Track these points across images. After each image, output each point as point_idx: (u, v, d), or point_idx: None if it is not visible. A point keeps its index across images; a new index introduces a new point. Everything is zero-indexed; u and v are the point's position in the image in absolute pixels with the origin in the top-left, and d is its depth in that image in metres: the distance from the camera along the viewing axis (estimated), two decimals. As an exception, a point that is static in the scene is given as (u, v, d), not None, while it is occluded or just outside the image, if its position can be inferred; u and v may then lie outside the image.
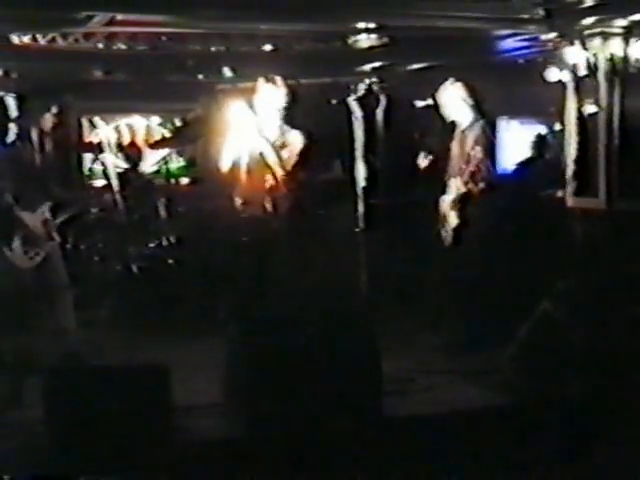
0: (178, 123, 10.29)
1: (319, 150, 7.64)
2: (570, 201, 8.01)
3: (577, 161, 7.94)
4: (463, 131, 7.57)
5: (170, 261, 8.13)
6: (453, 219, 7.40)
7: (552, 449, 5.45)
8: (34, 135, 9.45)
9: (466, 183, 7.37)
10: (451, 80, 7.60)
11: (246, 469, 5.11)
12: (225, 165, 7.25)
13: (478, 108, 7.53)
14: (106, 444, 5.00)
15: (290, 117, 7.19)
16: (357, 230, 7.65)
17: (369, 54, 8.28)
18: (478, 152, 7.39)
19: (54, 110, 9.91)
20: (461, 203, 7.39)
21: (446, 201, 7.50)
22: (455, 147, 7.64)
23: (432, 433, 5.53)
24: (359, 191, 7.63)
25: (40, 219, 7.05)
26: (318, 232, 6.93)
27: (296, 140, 7.16)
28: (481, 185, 7.35)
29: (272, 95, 7.14)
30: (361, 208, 7.61)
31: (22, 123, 8.98)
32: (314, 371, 5.54)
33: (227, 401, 5.80)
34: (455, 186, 7.46)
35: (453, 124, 7.70)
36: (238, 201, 7.23)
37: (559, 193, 8.31)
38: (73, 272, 7.03)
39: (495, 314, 7.01)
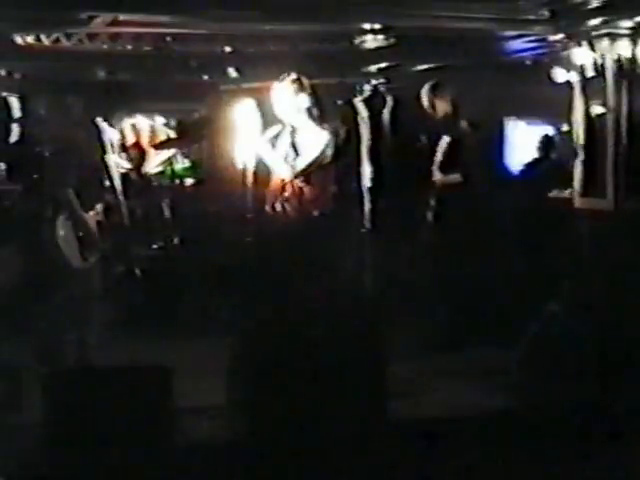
0: (182, 124, 10.27)
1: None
2: (578, 202, 7.98)
3: (584, 162, 7.91)
4: None
5: (174, 262, 8.10)
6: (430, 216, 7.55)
7: (554, 450, 5.41)
8: None
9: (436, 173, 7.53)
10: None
11: (247, 471, 5.09)
12: (231, 166, 7.22)
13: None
14: (106, 445, 4.97)
15: (316, 116, 7.03)
16: (363, 231, 7.61)
17: (375, 55, 8.26)
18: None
19: None
20: (435, 199, 7.52)
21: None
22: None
23: (434, 434, 5.49)
24: (365, 192, 7.59)
25: (95, 220, 7.04)
26: (322, 233, 6.88)
27: (322, 139, 6.96)
28: (452, 177, 7.46)
29: (294, 94, 6.96)
30: (367, 209, 7.57)
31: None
32: (316, 372, 5.50)
33: (228, 402, 5.76)
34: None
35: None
36: (242, 202, 7.20)
37: (567, 194, 8.28)
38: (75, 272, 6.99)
39: (501, 314, 6.99)
